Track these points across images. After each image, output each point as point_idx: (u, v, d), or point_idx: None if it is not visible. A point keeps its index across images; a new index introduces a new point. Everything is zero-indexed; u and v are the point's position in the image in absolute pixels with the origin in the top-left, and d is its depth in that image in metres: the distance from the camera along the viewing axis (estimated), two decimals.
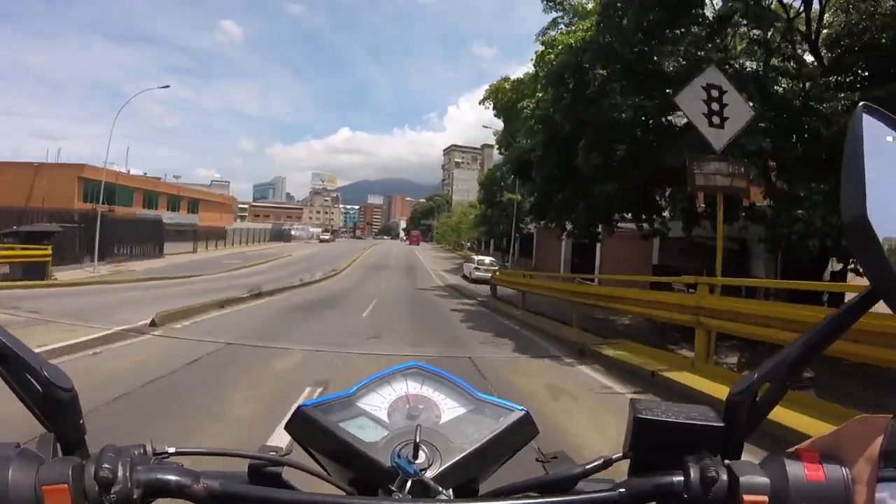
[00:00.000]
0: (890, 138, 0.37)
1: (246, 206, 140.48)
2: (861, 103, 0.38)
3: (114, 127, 20.47)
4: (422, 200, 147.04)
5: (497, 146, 33.74)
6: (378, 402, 0.55)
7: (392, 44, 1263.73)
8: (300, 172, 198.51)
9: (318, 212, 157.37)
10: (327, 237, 72.41)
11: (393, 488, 0.45)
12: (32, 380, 0.41)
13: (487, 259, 28.99)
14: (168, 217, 44.09)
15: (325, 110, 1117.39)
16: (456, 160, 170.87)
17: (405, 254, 48.74)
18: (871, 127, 0.37)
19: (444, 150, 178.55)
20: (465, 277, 26.74)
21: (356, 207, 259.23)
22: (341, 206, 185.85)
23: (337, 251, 44.07)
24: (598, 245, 22.81)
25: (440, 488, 0.44)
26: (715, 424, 0.41)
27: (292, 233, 68.49)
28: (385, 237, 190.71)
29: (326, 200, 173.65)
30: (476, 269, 25.79)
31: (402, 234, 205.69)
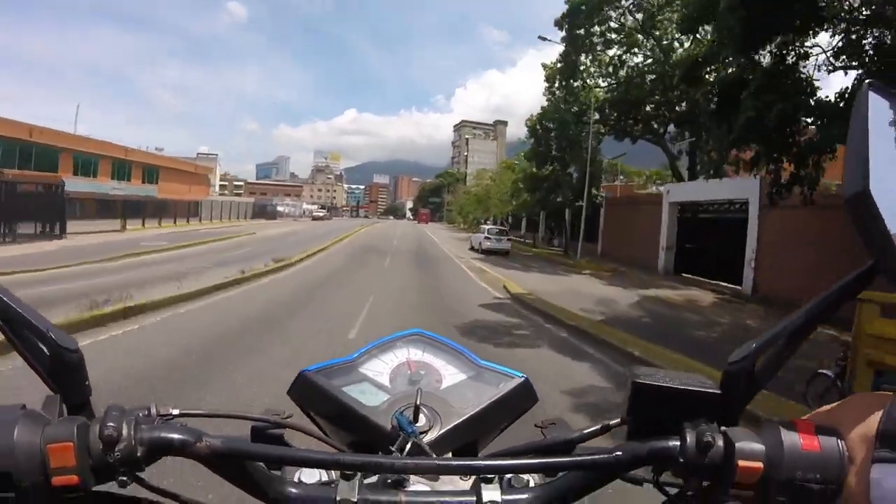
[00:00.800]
0: (894, 115, 0.37)
1: (242, 183, 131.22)
2: (867, 80, 0.39)
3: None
4: (429, 180, 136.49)
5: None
6: (380, 368, 0.56)
7: (399, 26, 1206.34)
8: (306, 153, 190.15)
9: (319, 190, 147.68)
10: (321, 214, 64.17)
11: (393, 449, 0.46)
12: (39, 342, 0.41)
13: (496, 228, 25.51)
14: (114, 187, 34.59)
15: (331, 92, 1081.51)
16: (467, 136, 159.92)
17: (413, 235, 36.85)
18: (877, 104, 0.37)
19: (455, 126, 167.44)
20: (472, 249, 23.84)
21: (361, 187, 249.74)
22: (345, 184, 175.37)
23: (323, 230, 34.53)
24: (754, 217, 12.75)
25: (437, 452, 0.45)
26: (712, 391, 0.42)
27: (279, 209, 58.95)
28: (390, 217, 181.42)
29: (329, 178, 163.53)
30: (487, 238, 22.84)
31: (408, 213, 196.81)
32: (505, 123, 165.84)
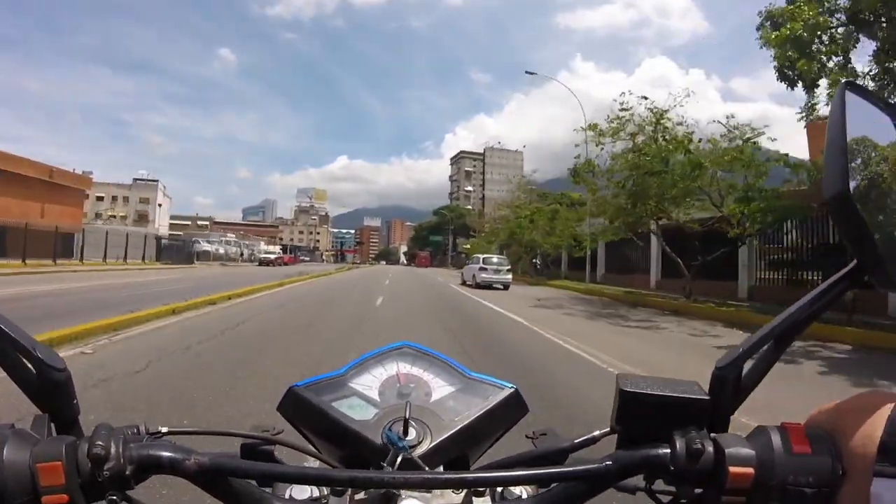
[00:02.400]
0: (871, 114, 0.38)
1: (207, 222, 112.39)
2: (843, 80, 0.39)
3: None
4: (427, 221, 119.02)
5: None
6: (369, 382, 0.56)
7: (388, 73, 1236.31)
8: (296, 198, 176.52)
9: (300, 232, 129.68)
10: (272, 257, 46.07)
11: (384, 464, 0.45)
12: (25, 361, 0.40)
13: (495, 258, 21.48)
14: None
15: (323, 139, 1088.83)
16: (466, 168, 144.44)
17: (427, 298, 15.89)
18: (854, 103, 0.37)
19: (452, 158, 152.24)
20: (465, 284, 20.95)
21: (352, 231, 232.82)
22: (330, 227, 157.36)
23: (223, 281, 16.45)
24: None
25: (429, 465, 0.45)
26: (700, 398, 0.41)
27: (205, 247, 40.42)
28: (382, 262, 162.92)
29: (314, 219, 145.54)
30: (482, 269, 19.71)
31: (402, 258, 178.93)
32: (496, 147, 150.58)
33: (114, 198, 68.99)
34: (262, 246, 60.02)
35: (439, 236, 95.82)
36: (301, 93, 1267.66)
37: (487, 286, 19.00)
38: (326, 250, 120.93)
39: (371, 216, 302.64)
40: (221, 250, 41.51)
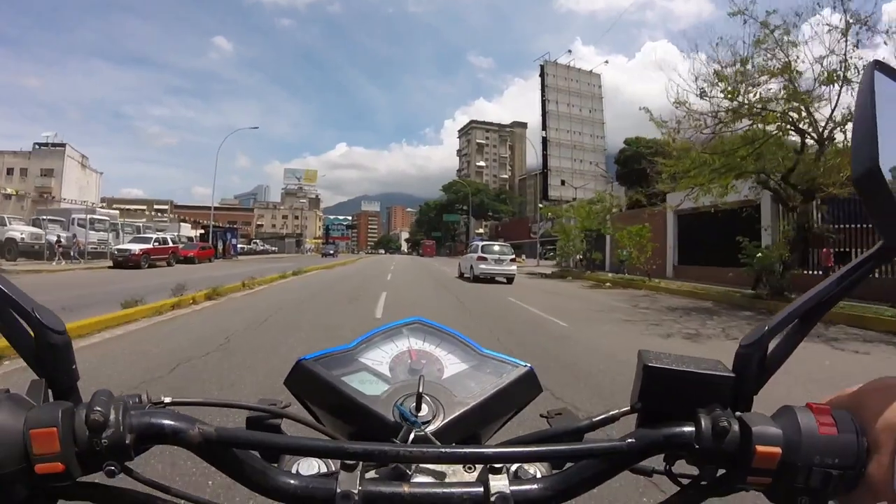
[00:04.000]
0: None
1: (166, 207, 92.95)
2: (872, 59, 0.39)
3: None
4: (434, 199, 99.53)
5: None
6: (380, 357, 0.55)
7: (386, 60, 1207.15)
8: (284, 179, 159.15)
9: (284, 217, 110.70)
10: (138, 249, 20.27)
11: (395, 441, 0.44)
12: (23, 322, 0.38)
13: (497, 245, 17.86)
14: None
15: (322, 127, 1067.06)
16: (478, 141, 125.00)
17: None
18: (882, 82, 0.37)
19: (460, 130, 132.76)
20: (462, 276, 18.31)
21: (349, 218, 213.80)
22: (321, 212, 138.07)
23: None
24: None
25: (442, 442, 0.44)
26: (726, 375, 0.40)
27: (10, 233, 20.34)
28: (381, 251, 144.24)
29: (303, 202, 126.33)
30: (481, 258, 16.67)
31: (404, 245, 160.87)
32: (524, 125, 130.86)
33: (9, 170, 49.62)
34: (186, 231, 40.82)
35: (453, 216, 76.37)
36: (299, 81, 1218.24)
37: (489, 279, 16.33)
38: (316, 238, 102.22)
39: (370, 202, 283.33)
40: (31, 238, 20.51)
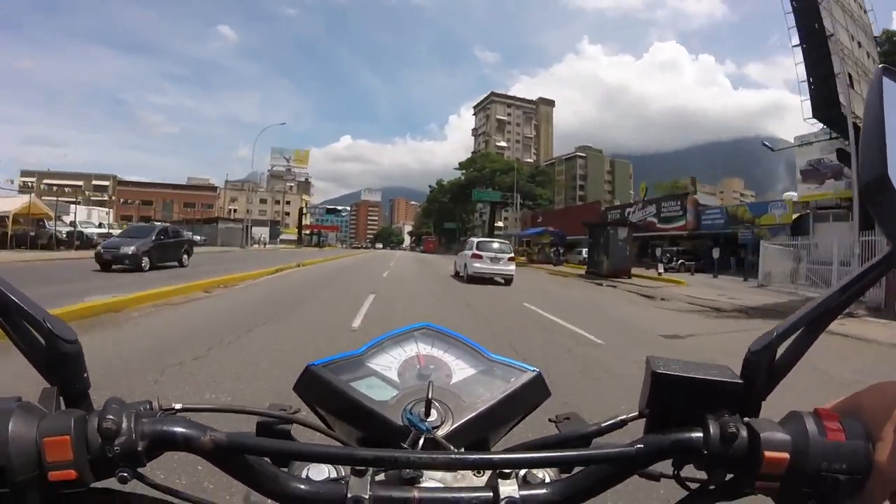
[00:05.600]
0: None
1: (108, 183, 74.26)
2: (881, 66, 0.38)
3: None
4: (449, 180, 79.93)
5: None
6: (388, 363, 0.55)
7: (392, 53, 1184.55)
8: (270, 160, 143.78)
9: (262, 201, 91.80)
10: None
11: (405, 446, 0.45)
12: (35, 332, 0.39)
13: (496, 242, 16.49)
14: None
15: (326, 119, 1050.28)
16: (499, 116, 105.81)
17: None
18: (891, 89, 0.37)
19: (476, 106, 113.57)
20: (457, 276, 16.86)
21: (347, 208, 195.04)
22: (310, 197, 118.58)
23: None
24: None
25: (452, 447, 0.44)
26: (734, 381, 0.41)
27: None
28: (378, 245, 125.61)
29: (291, 186, 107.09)
30: (476, 255, 15.12)
31: (407, 239, 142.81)
32: (551, 103, 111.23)
33: None
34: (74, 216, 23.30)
35: (486, 194, 56.60)
36: (304, 72, 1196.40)
37: (487, 279, 14.96)
38: (288, 229, 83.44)
39: (372, 192, 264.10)
40: None
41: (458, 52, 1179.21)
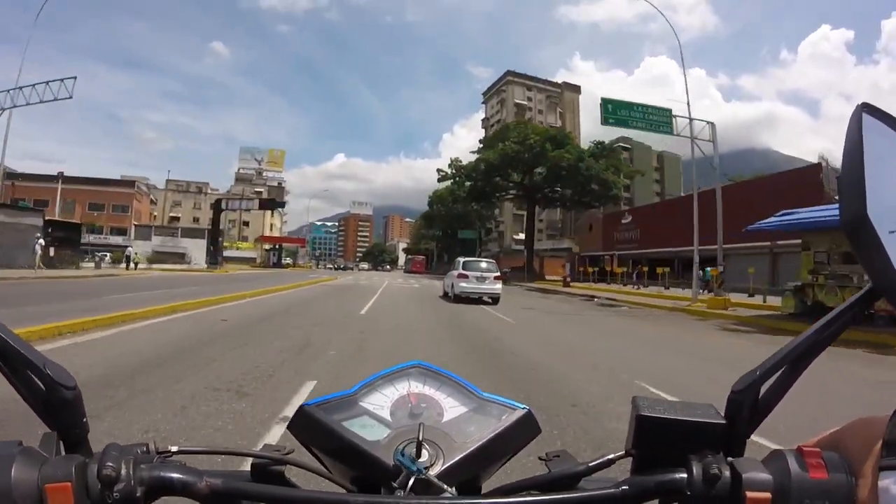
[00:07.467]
0: (889, 137, 0.37)
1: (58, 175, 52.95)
2: (860, 102, 0.38)
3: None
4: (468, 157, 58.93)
5: None
6: (380, 401, 0.55)
7: (386, 71, 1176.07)
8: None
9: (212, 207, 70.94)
10: None
11: (396, 486, 0.45)
12: (35, 378, 0.40)
13: (484, 262, 16.70)
14: None
15: (321, 138, 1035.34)
16: (517, 101, 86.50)
17: None
18: (871, 126, 0.37)
19: (485, 92, 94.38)
20: (445, 296, 17.30)
21: (335, 223, 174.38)
22: (283, 210, 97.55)
23: None
24: None
25: (444, 486, 0.44)
26: (717, 422, 0.41)
27: None
28: (364, 266, 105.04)
29: (258, 192, 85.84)
30: (462, 276, 15.57)
31: (401, 258, 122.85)
32: (577, 90, 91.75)
33: None
34: None
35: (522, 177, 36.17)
36: (298, 90, 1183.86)
37: (475, 299, 15.22)
38: (242, 243, 62.82)
39: (362, 207, 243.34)
40: None
41: (452, 68, 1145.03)
